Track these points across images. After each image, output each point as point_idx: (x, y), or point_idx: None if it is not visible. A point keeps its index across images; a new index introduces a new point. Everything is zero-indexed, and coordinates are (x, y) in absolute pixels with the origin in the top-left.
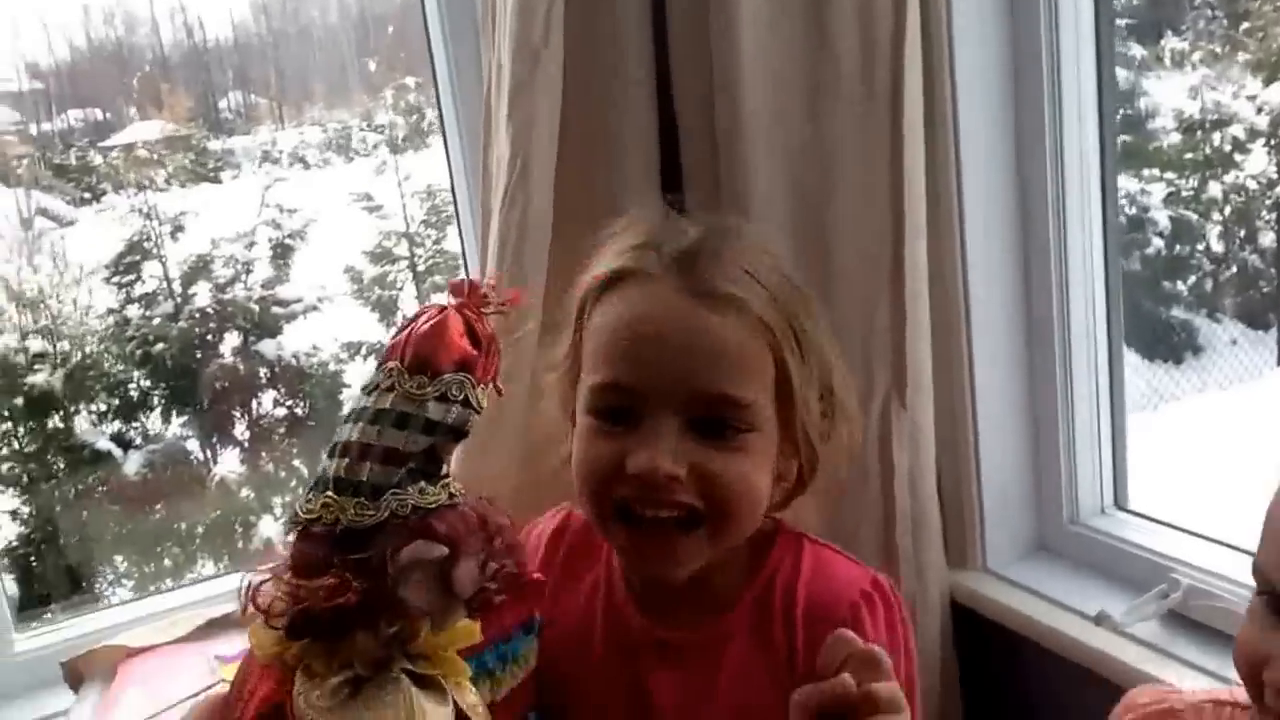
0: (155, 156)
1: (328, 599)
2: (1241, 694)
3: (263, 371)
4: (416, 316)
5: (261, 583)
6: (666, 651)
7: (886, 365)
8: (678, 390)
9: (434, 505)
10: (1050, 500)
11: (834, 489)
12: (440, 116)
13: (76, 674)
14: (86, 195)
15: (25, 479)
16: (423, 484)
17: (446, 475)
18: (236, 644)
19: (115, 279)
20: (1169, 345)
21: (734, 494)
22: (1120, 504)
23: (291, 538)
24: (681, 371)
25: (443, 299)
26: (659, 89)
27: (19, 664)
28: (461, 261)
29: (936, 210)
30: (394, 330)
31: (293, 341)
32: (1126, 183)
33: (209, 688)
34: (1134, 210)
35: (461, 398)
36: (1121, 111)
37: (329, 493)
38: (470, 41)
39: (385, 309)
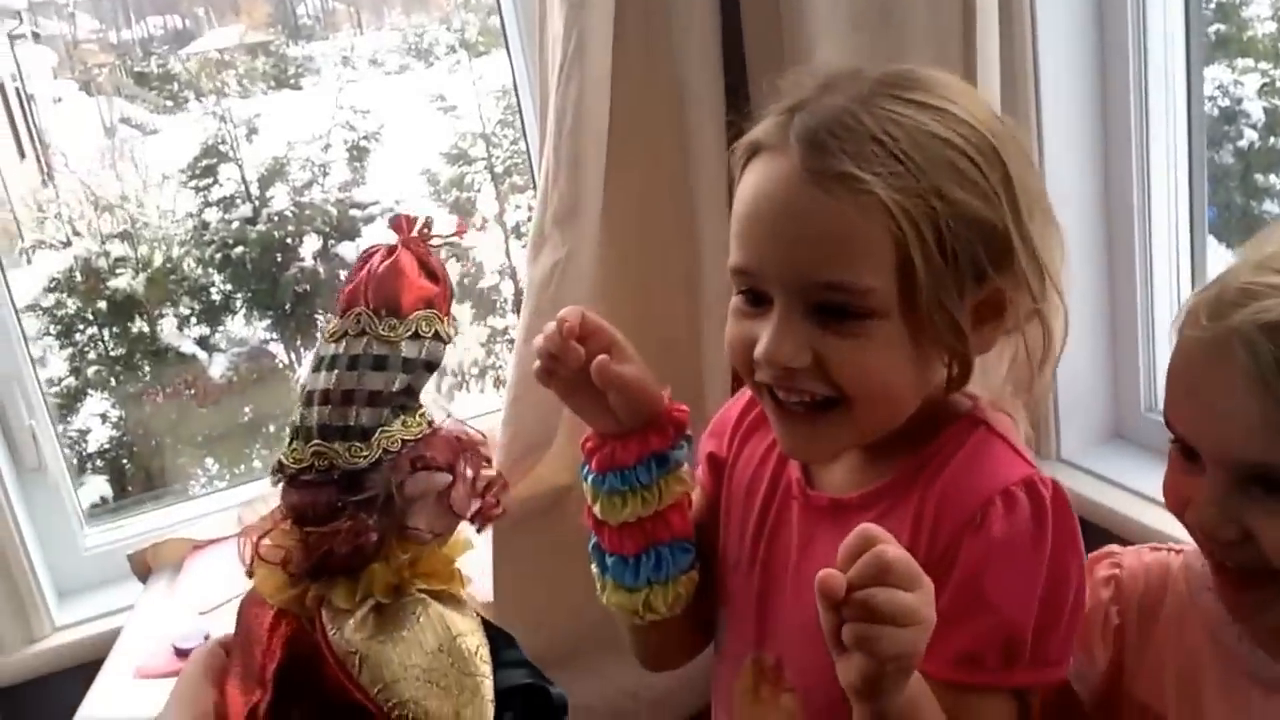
0: (232, 60)
1: (349, 540)
2: (1185, 541)
3: (343, 274)
4: (367, 260)
5: (261, 537)
6: (809, 511)
7: None
8: (794, 277)
9: (419, 436)
10: (1127, 389)
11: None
12: (500, 11)
13: (143, 566)
14: (168, 104)
15: (113, 382)
16: (403, 418)
17: (422, 405)
18: None
19: (192, 183)
20: None
21: (856, 384)
22: None
23: (279, 489)
24: (791, 258)
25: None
26: None
27: (90, 558)
28: (528, 161)
29: (1013, 95)
30: (347, 277)
31: (371, 244)
32: (1220, 73)
33: None
34: (1227, 102)
35: (432, 333)
36: None
37: (316, 440)
38: None
39: (463, 211)
